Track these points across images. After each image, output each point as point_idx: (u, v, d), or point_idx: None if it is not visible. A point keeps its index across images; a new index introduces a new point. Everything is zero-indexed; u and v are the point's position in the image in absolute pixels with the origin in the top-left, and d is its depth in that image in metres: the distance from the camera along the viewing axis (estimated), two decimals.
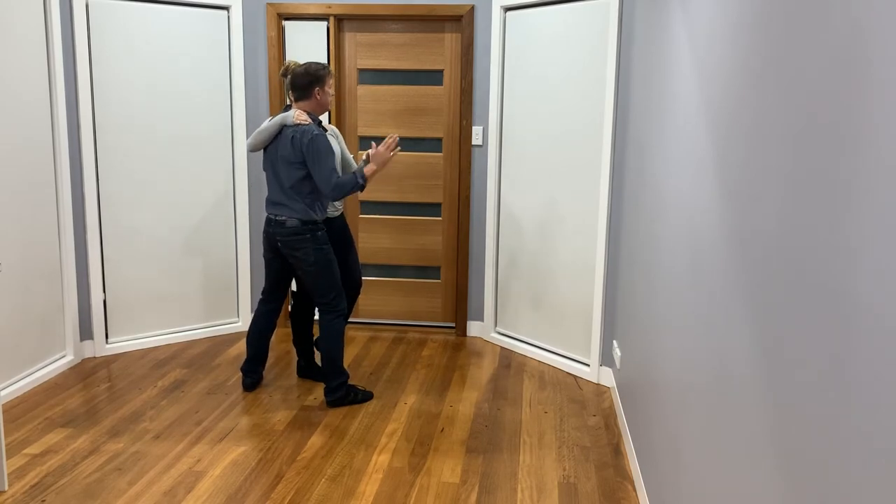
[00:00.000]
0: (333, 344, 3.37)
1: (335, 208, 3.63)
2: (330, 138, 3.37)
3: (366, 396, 3.49)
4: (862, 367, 0.92)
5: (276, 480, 2.74)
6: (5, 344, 3.40)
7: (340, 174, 3.34)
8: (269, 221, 3.37)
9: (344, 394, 3.41)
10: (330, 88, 3.35)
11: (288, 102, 3.47)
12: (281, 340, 4.34)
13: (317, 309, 3.53)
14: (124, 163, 3.97)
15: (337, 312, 3.39)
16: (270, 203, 3.36)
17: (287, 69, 3.47)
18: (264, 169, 3.40)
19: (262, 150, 3.46)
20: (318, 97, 3.30)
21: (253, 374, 3.58)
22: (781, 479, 1.20)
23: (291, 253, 3.33)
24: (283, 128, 3.27)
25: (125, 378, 3.71)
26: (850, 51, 0.99)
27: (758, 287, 1.37)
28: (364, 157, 3.38)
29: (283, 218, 3.29)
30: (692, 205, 1.98)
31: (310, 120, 3.27)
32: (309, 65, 3.30)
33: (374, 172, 3.30)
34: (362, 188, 3.26)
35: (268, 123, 3.31)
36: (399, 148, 3.41)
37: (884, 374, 0.86)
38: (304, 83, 3.28)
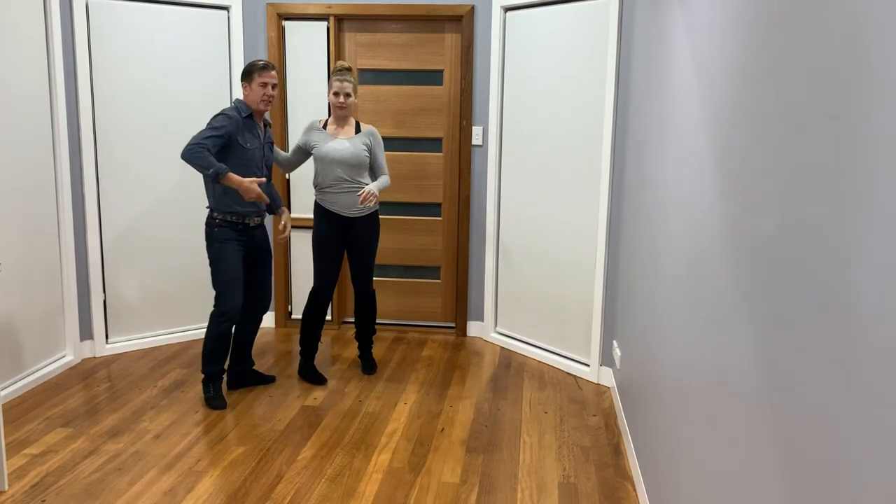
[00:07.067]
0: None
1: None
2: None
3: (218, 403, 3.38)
4: (862, 366, 0.92)
5: (276, 480, 2.74)
6: (5, 344, 3.40)
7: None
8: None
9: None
10: (257, 85, 3.26)
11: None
12: (281, 340, 4.34)
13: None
14: (124, 163, 3.97)
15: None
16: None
17: None
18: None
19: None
20: (244, 91, 3.32)
21: (239, 366, 3.58)
22: (781, 479, 1.20)
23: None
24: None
25: (125, 378, 3.71)
26: (851, 50, 0.99)
27: (758, 286, 1.36)
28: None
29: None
30: (692, 204, 1.98)
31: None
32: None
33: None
34: (214, 176, 3.08)
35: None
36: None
37: (884, 374, 0.86)
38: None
